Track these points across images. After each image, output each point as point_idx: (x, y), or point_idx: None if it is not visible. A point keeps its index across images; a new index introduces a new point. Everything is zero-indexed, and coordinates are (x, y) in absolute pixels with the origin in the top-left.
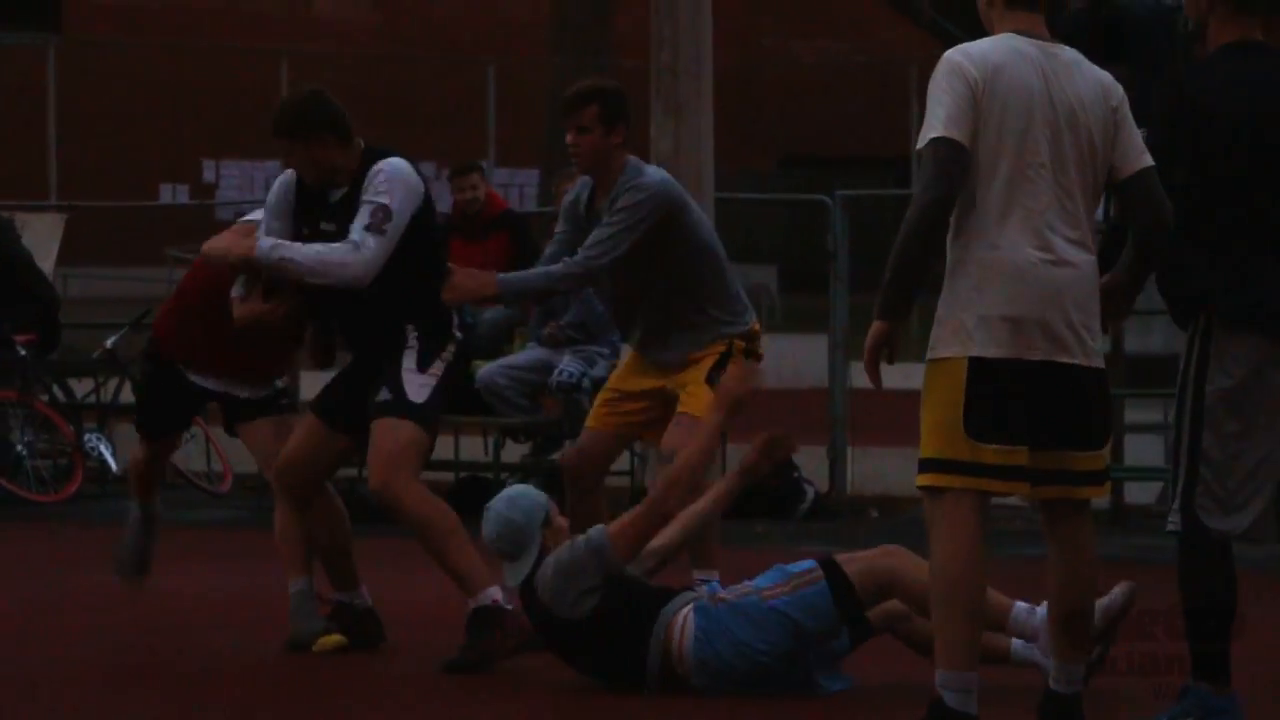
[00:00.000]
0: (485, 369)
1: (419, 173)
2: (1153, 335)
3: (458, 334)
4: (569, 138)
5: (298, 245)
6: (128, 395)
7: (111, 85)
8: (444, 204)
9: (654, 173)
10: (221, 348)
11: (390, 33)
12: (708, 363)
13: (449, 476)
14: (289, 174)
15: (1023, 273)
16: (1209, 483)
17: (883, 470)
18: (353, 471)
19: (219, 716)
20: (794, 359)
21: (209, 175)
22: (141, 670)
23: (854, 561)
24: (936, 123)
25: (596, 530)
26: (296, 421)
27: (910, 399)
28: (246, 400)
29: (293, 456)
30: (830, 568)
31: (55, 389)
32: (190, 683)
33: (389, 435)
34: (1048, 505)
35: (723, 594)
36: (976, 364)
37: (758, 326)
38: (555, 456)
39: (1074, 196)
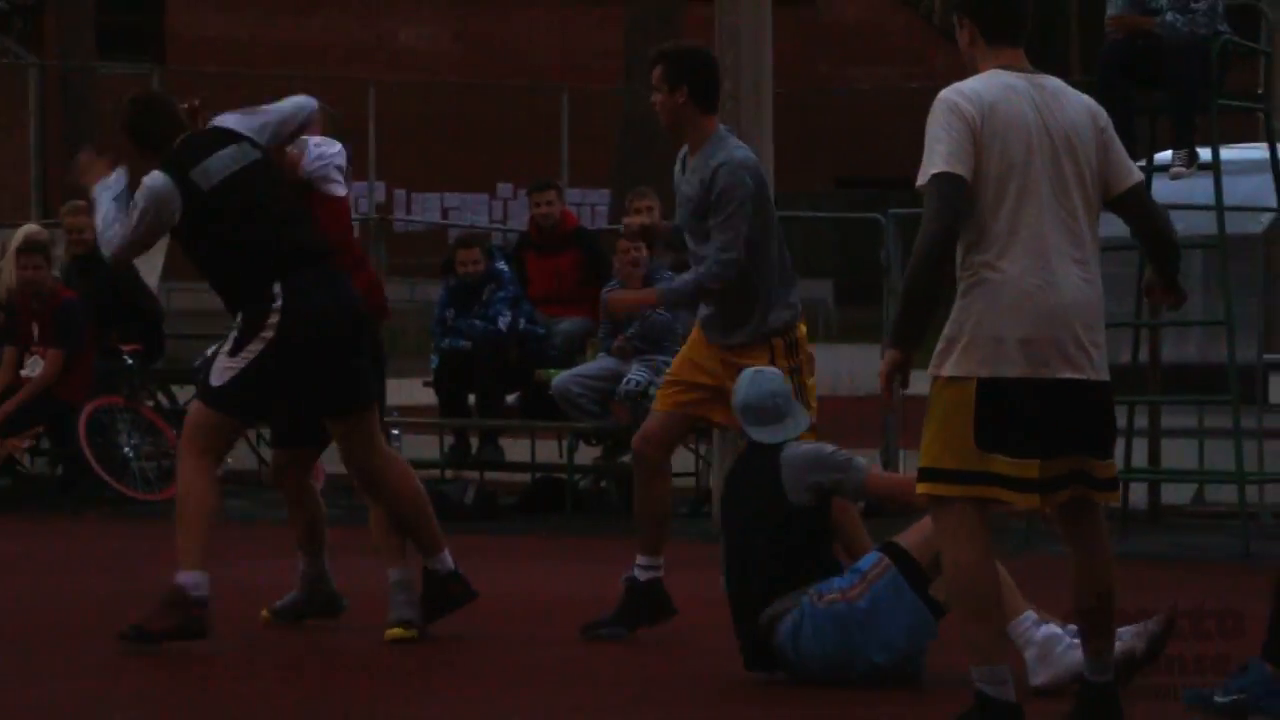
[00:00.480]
0: (559, 377)
1: (172, 183)
2: (1189, 345)
3: (271, 323)
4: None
5: (109, 205)
6: None
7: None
8: (521, 221)
9: (741, 149)
10: None
11: (470, 63)
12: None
13: (526, 477)
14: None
15: (1031, 295)
16: None
17: None
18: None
19: (321, 704)
20: (849, 368)
21: None
22: (243, 660)
23: (909, 534)
24: (938, 159)
25: (861, 459)
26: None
27: None
28: None
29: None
30: (891, 550)
31: (159, 396)
32: (286, 670)
33: (190, 415)
34: (1062, 509)
35: (828, 596)
36: (987, 384)
37: (804, 328)
38: (625, 459)
39: (1077, 217)
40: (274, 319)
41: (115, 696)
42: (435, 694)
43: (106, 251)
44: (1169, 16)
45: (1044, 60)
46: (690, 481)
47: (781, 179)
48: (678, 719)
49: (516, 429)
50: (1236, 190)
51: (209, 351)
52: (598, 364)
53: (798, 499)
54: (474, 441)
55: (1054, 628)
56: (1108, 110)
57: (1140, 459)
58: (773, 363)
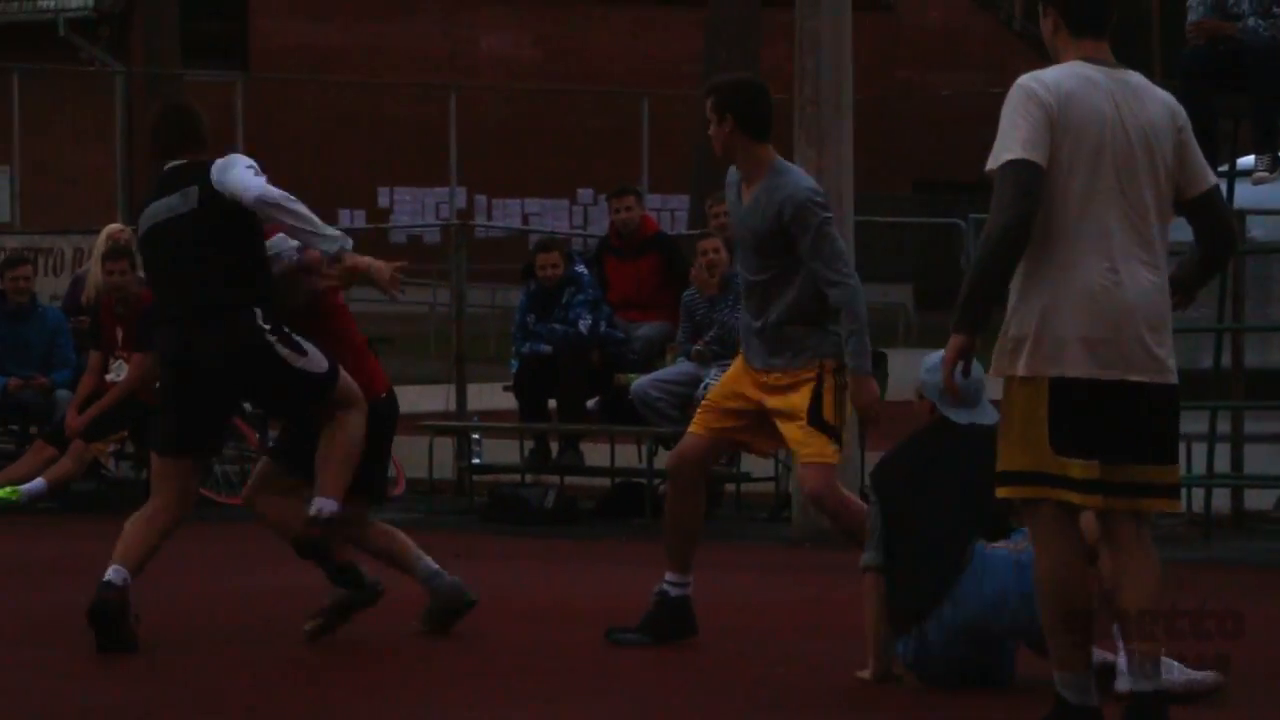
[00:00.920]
0: (638, 382)
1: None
2: (1273, 351)
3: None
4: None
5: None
6: None
7: (294, 118)
8: (601, 227)
9: (804, 180)
10: None
11: (551, 69)
12: (803, 393)
13: (605, 482)
14: None
15: (1095, 294)
16: None
17: None
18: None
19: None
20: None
21: (383, 201)
22: (325, 661)
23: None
24: (1013, 145)
25: None
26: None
27: None
28: None
29: None
30: None
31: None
32: (370, 673)
33: None
34: (1111, 515)
35: (997, 545)
36: (1058, 383)
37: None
38: None
39: (1147, 218)
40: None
41: (183, 698)
42: (513, 699)
43: None
44: (1251, 22)
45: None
46: (770, 486)
47: (861, 184)
48: None
49: (596, 433)
50: None
51: None
52: (677, 368)
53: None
54: (554, 446)
55: None
56: (1189, 116)
57: (1223, 465)
58: (820, 384)
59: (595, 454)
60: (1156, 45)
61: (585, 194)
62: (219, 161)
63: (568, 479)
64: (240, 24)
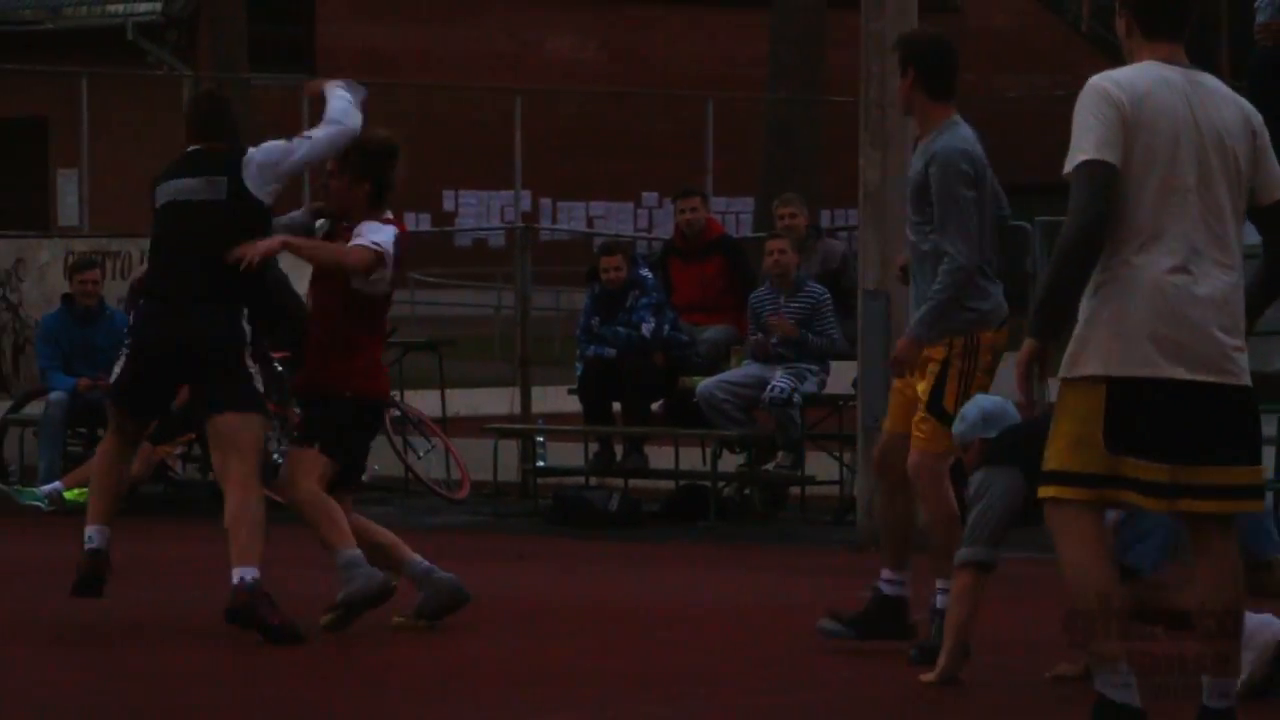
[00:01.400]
0: (705, 383)
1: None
2: None
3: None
4: None
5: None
6: None
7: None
8: (666, 230)
9: (961, 133)
10: None
11: (616, 72)
12: (929, 377)
13: (670, 484)
14: None
15: (1167, 293)
16: None
17: None
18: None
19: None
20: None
21: (449, 204)
22: (391, 664)
23: None
24: (1088, 145)
25: None
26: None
27: None
28: None
29: None
30: None
31: None
32: (436, 678)
33: None
34: (1192, 518)
35: None
36: (1119, 384)
37: (990, 336)
38: (768, 467)
39: (1223, 219)
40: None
41: (257, 699)
42: (571, 701)
43: None
44: None
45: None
46: (835, 490)
47: None
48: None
49: (661, 436)
50: None
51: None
52: (743, 370)
53: None
54: (618, 449)
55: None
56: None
57: None
58: (945, 368)
59: (660, 457)
60: (1225, 46)
61: (650, 197)
62: (256, 159)
63: (632, 482)
64: (307, 28)
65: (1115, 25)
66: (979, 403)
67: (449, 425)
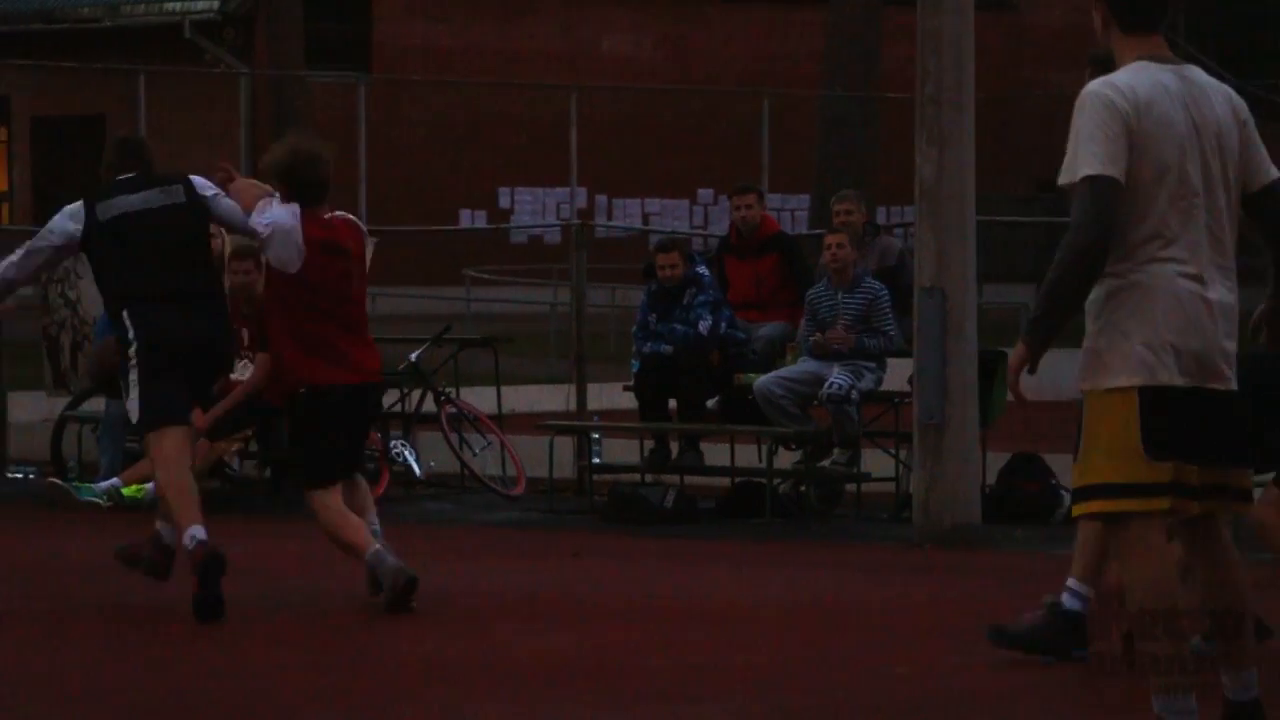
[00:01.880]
0: (762, 379)
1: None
2: None
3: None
4: None
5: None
6: (430, 405)
7: (416, 119)
8: (721, 227)
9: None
10: None
11: (672, 68)
12: None
13: (725, 481)
14: None
15: (1182, 302)
16: None
17: None
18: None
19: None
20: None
21: (504, 201)
22: (443, 657)
23: None
24: (1094, 159)
25: None
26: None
27: None
28: None
29: None
30: None
31: None
32: (489, 672)
33: None
34: (1203, 520)
35: None
36: (1149, 392)
37: None
38: (825, 464)
39: (1222, 223)
40: (131, 335)
41: (317, 690)
42: (631, 697)
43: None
44: None
45: (1252, 61)
46: (890, 486)
47: (983, 183)
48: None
49: (716, 433)
50: None
51: (412, 357)
52: (800, 366)
53: None
54: (674, 445)
55: None
56: None
57: None
58: None
59: (715, 453)
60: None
61: (705, 194)
62: (202, 181)
63: (688, 478)
64: (363, 25)
65: (1093, 19)
66: None
67: (505, 422)
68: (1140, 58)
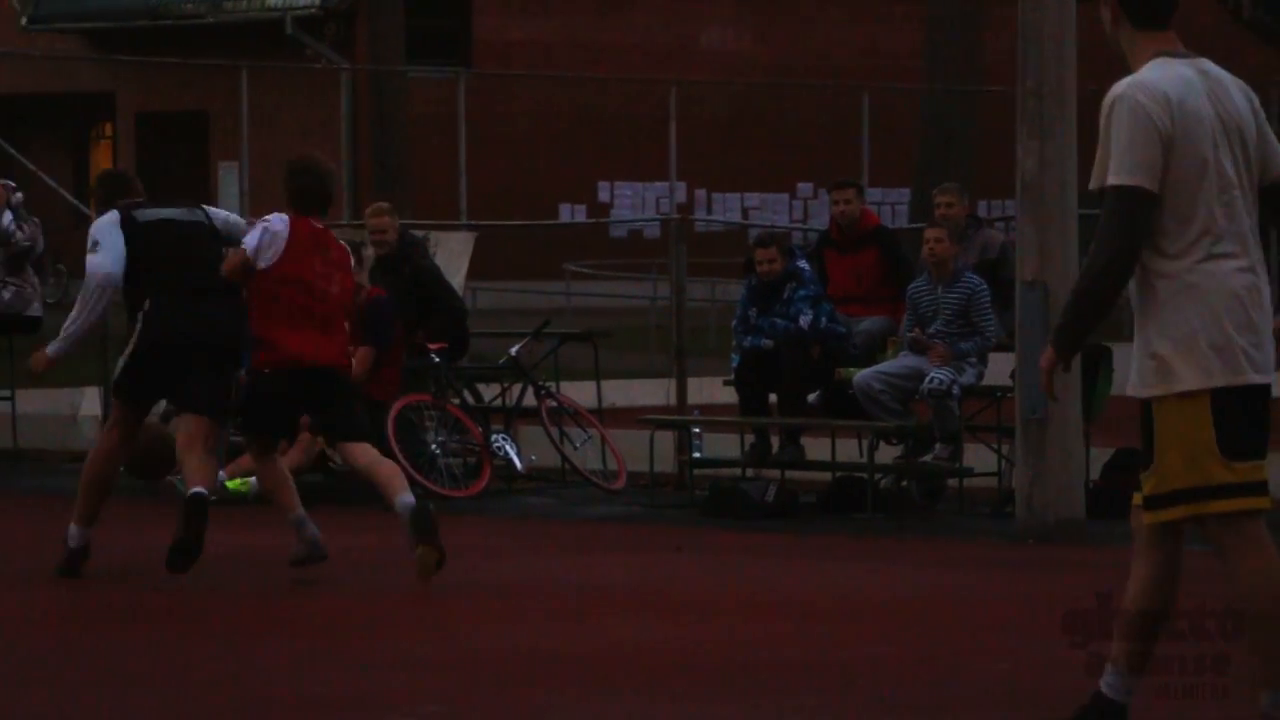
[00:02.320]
0: (862, 374)
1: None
2: None
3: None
4: None
5: None
6: (530, 400)
7: (516, 114)
8: (821, 221)
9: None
10: None
11: (771, 63)
12: None
13: (826, 476)
14: None
15: (1240, 298)
16: None
17: None
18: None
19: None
20: None
21: (604, 196)
22: (550, 653)
23: None
24: (1123, 168)
25: None
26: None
27: None
28: None
29: None
30: None
31: (465, 393)
32: (589, 667)
33: None
34: (1248, 515)
35: None
36: (1221, 393)
37: None
38: (926, 458)
39: (1252, 214)
40: (139, 327)
41: (419, 686)
42: (731, 691)
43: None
44: None
45: None
46: (993, 482)
47: (1085, 177)
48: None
49: (817, 428)
50: None
51: (513, 351)
52: (900, 361)
53: None
54: (774, 440)
55: None
56: None
57: None
58: None
59: (816, 448)
60: None
61: (805, 188)
62: (219, 212)
63: (788, 473)
64: (463, 20)
65: (1100, 15)
66: None
67: (605, 416)
68: (1156, 54)
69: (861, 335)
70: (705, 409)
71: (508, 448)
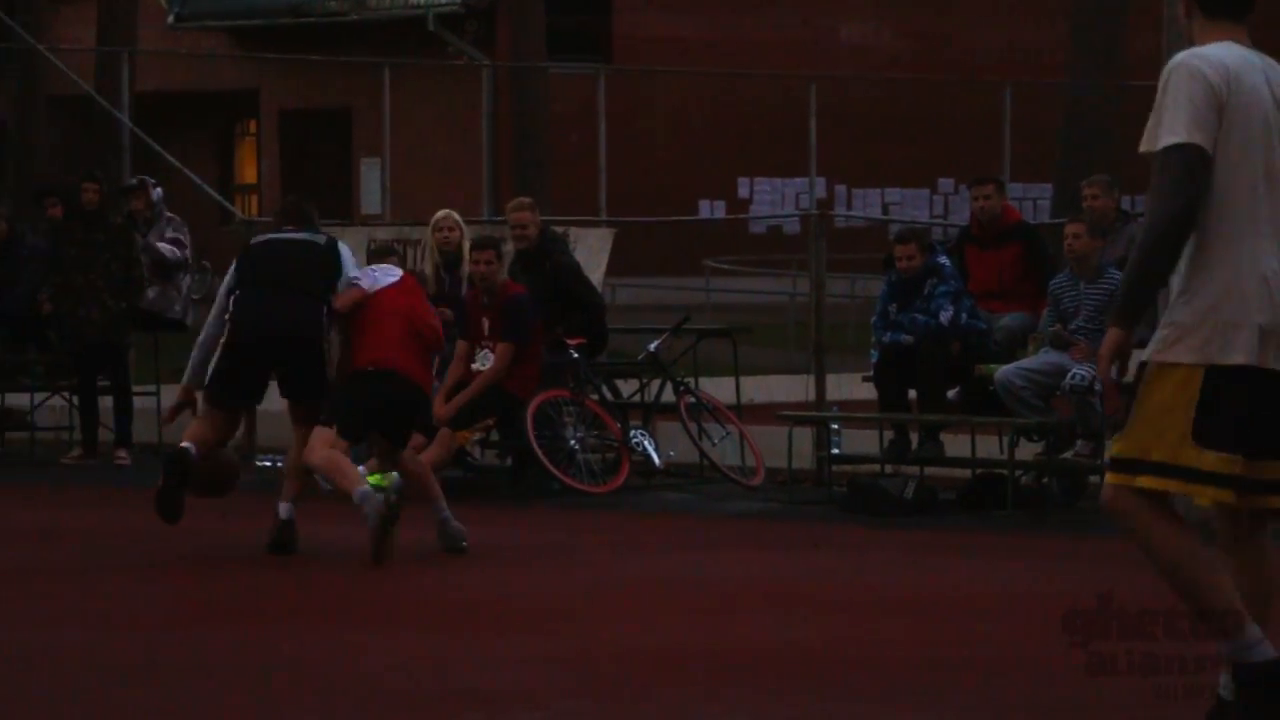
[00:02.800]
0: (1003, 370)
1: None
2: None
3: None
4: None
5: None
6: (669, 395)
7: (655, 110)
8: (962, 216)
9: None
10: None
11: (911, 57)
12: None
13: (966, 473)
14: None
15: (1270, 281)
16: None
17: None
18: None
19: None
20: None
21: (743, 192)
22: (688, 650)
23: None
24: (1180, 127)
25: None
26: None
27: None
28: None
29: None
30: None
31: (604, 389)
32: (725, 667)
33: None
34: (1245, 514)
35: None
36: (1215, 373)
37: None
38: (1067, 455)
39: None
40: (228, 324)
41: (553, 683)
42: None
43: None
44: None
45: None
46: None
47: None
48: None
49: (957, 424)
50: None
51: (651, 347)
52: (1041, 357)
53: None
54: (914, 436)
55: None
56: None
57: None
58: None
59: (956, 445)
60: None
61: (946, 183)
62: (344, 250)
63: (928, 470)
64: (603, 17)
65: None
66: None
67: (743, 412)
68: (1228, 40)
69: (1002, 331)
70: (844, 405)
71: (646, 443)
